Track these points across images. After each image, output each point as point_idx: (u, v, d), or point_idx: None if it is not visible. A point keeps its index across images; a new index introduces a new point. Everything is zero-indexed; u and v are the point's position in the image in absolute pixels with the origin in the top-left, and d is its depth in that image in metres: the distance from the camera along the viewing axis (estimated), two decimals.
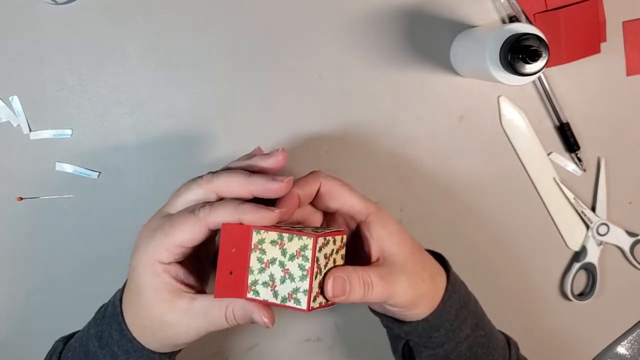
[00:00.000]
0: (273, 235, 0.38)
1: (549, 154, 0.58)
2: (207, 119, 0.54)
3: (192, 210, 0.40)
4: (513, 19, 0.55)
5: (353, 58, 0.55)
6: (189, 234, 0.40)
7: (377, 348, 0.60)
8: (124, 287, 0.45)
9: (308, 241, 0.37)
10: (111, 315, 0.43)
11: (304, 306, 0.37)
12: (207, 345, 0.58)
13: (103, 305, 0.46)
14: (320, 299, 0.39)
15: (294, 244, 0.38)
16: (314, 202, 0.44)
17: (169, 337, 0.41)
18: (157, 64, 0.53)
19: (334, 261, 0.40)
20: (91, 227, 0.55)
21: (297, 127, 0.55)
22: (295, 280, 0.37)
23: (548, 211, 0.59)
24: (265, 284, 0.38)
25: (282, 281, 0.38)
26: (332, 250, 0.39)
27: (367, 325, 0.60)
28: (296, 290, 0.37)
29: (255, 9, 0.53)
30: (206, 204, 0.40)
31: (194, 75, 0.54)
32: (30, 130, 0.53)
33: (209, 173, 0.41)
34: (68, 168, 0.54)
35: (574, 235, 0.59)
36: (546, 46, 0.44)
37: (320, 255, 0.38)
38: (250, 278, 0.39)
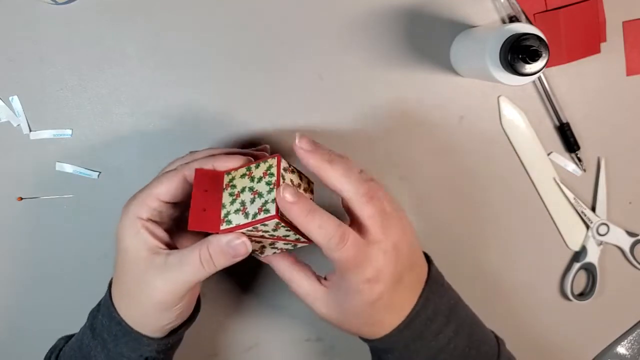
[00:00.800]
0: (242, 170, 0.42)
1: (549, 154, 0.58)
2: (207, 119, 0.54)
3: (168, 167, 0.44)
4: (513, 19, 0.55)
5: (353, 58, 0.55)
6: (166, 185, 0.42)
7: None
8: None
9: (272, 161, 0.40)
10: (103, 303, 0.44)
11: (272, 212, 0.38)
12: (206, 346, 0.58)
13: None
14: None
15: (260, 169, 0.40)
16: None
17: (148, 299, 0.41)
18: (157, 64, 0.53)
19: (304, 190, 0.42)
20: (91, 227, 0.55)
21: (297, 127, 0.55)
22: (264, 195, 0.39)
23: (548, 211, 0.59)
24: (237, 211, 0.40)
25: (252, 201, 0.40)
26: (300, 184, 0.42)
27: None
28: (265, 203, 0.39)
29: (256, 9, 0.53)
30: (183, 158, 0.44)
31: (194, 75, 0.54)
32: (30, 130, 0.53)
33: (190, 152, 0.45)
34: (68, 168, 0.54)
35: (574, 235, 0.59)
36: (546, 46, 0.44)
37: (286, 175, 0.40)
38: (223, 212, 0.41)
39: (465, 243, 0.59)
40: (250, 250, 0.41)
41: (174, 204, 0.43)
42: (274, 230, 0.40)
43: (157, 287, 0.40)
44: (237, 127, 0.55)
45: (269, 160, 0.41)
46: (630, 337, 0.63)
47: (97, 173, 0.54)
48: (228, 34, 0.53)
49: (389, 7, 0.54)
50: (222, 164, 0.42)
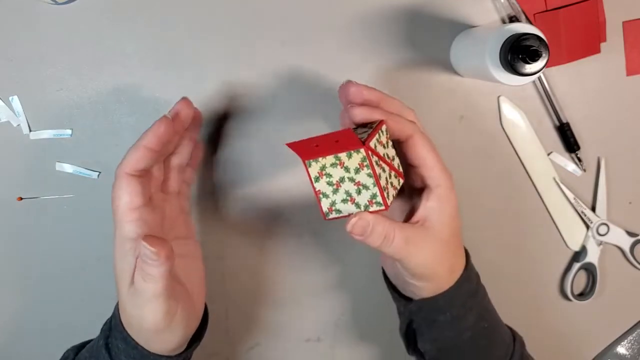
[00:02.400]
0: (330, 159, 0.41)
1: (549, 154, 0.58)
2: (207, 119, 0.54)
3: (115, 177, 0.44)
4: (513, 19, 0.55)
5: (353, 58, 0.55)
6: (125, 195, 0.42)
7: (377, 348, 0.60)
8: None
9: (362, 153, 0.40)
10: (115, 325, 0.44)
11: (383, 206, 0.40)
12: (207, 345, 0.58)
13: (110, 316, 0.46)
14: (393, 191, 0.42)
15: (353, 160, 0.40)
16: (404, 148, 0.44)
17: (144, 328, 0.41)
18: (157, 64, 0.53)
19: (388, 144, 0.43)
20: (91, 227, 0.55)
21: (297, 127, 0.55)
22: (370, 188, 0.40)
23: (548, 211, 0.59)
24: (344, 200, 0.41)
25: (359, 192, 0.41)
26: (385, 140, 0.42)
27: (367, 326, 0.60)
28: (374, 195, 0.40)
29: (256, 9, 0.53)
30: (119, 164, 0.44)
31: (194, 75, 0.54)
32: (30, 130, 0.53)
33: None
34: (68, 168, 0.54)
35: (574, 235, 0.59)
36: (546, 46, 0.44)
37: (380, 152, 0.41)
38: (327, 202, 0.42)
39: (465, 243, 0.59)
40: None
41: (152, 209, 0.43)
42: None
43: (140, 317, 0.41)
44: (236, 126, 0.55)
45: (357, 151, 0.40)
46: (630, 337, 0.63)
47: (97, 173, 0.54)
48: (228, 34, 0.53)
49: (389, 7, 0.54)
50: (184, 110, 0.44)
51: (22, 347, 0.57)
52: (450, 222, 0.43)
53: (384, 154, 0.42)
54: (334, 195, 0.41)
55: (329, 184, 0.41)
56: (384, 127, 0.42)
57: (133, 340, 0.42)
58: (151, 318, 0.41)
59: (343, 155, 0.41)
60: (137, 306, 0.41)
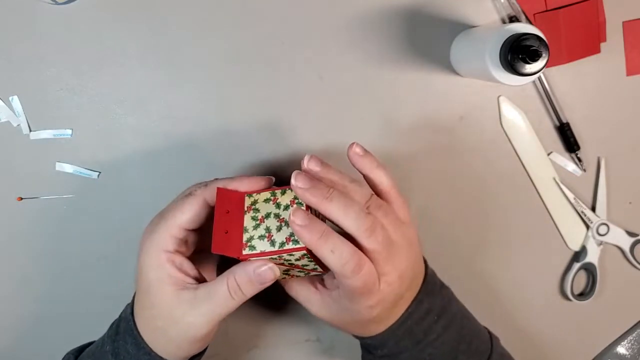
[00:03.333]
0: (265, 194, 0.41)
1: (549, 154, 0.58)
2: (207, 118, 0.54)
3: (188, 192, 0.42)
4: (513, 19, 0.55)
5: (353, 58, 0.55)
6: (188, 212, 0.41)
7: None
8: (133, 300, 0.44)
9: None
10: (125, 330, 0.43)
11: (300, 245, 0.39)
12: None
13: (114, 321, 0.46)
14: None
15: (286, 196, 0.40)
16: None
17: (181, 335, 0.41)
18: (157, 64, 0.53)
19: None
20: (91, 227, 0.55)
21: (297, 127, 0.55)
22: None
23: (548, 211, 0.59)
24: (261, 237, 0.40)
25: (279, 229, 0.40)
26: None
27: None
28: (292, 234, 0.39)
29: (256, 9, 0.53)
30: (201, 184, 0.42)
31: (194, 75, 0.54)
32: (30, 130, 0.53)
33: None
34: (68, 168, 0.54)
35: (574, 235, 0.59)
36: (546, 46, 0.44)
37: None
38: (245, 236, 0.40)
39: (465, 243, 0.59)
40: (277, 276, 0.41)
41: (196, 229, 0.43)
42: (297, 260, 0.40)
43: (189, 323, 0.41)
44: (236, 127, 0.55)
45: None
46: (630, 337, 0.63)
47: (97, 173, 0.54)
48: (228, 33, 0.53)
49: (389, 7, 0.54)
50: (244, 186, 0.42)
51: (21, 348, 0.56)
52: (354, 313, 0.42)
53: None
54: (254, 230, 0.40)
55: (254, 218, 0.41)
56: None
57: (148, 346, 0.42)
58: (204, 327, 0.41)
59: (279, 192, 0.41)
60: (190, 314, 0.40)
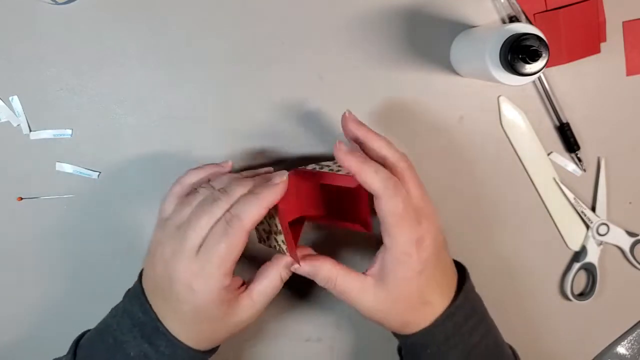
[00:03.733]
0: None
1: (549, 154, 0.58)
2: (207, 118, 0.54)
3: (223, 230, 0.40)
4: (513, 19, 0.55)
5: (353, 58, 0.55)
6: (236, 247, 0.41)
7: (377, 348, 0.60)
8: (137, 296, 0.44)
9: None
10: (153, 333, 0.42)
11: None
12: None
13: (113, 327, 0.44)
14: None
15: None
16: None
17: (233, 330, 0.44)
18: (157, 64, 0.53)
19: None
20: (91, 227, 0.55)
21: (297, 127, 0.55)
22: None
23: (548, 211, 0.59)
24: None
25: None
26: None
27: (367, 325, 0.59)
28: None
29: (256, 9, 0.53)
30: (227, 213, 0.41)
31: (194, 75, 0.54)
32: (30, 130, 0.53)
33: (222, 193, 0.43)
34: (68, 168, 0.54)
35: (574, 235, 0.59)
36: (546, 46, 0.44)
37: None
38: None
39: (465, 243, 0.59)
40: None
41: None
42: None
43: (247, 323, 0.44)
44: (236, 127, 0.55)
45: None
46: (630, 337, 0.63)
47: (97, 173, 0.54)
48: (228, 33, 0.53)
49: (389, 7, 0.54)
50: (271, 199, 0.42)
51: (21, 347, 0.56)
52: (402, 283, 0.42)
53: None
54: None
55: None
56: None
57: (183, 343, 0.42)
58: (252, 320, 0.44)
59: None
60: (247, 314, 0.43)
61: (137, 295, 0.44)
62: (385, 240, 0.42)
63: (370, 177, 0.40)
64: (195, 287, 0.40)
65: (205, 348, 0.44)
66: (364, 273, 0.44)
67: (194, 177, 0.47)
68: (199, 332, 0.43)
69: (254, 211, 0.40)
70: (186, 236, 0.41)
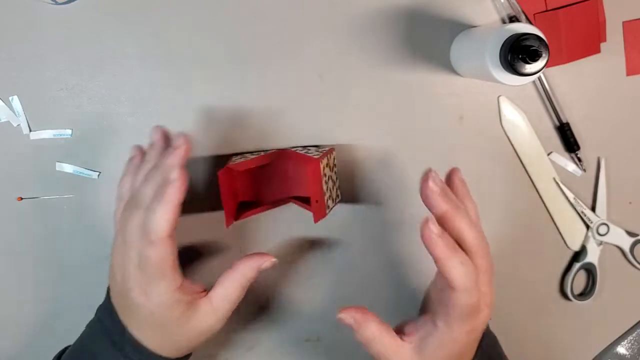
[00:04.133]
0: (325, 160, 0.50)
1: (549, 154, 0.58)
2: (207, 118, 0.54)
3: (147, 242, 0.40)
4: (513, 19, 0.55)
5: (353, 58, 0.55)
6: (165, 252, 0.40)
7: None
8: (105, 305, 0.45)
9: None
10: (121, 341, 0.43)
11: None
12: (207, 346, 0.58)
13: (88, 339, 0.45)
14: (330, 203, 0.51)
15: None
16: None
17: (202, 337, 0.44)
18: (157, 64, 0.53)
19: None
20: (91, 227, 0.55)
21: (297, 127, 0.55)
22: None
23: (548, 211, 0.59)
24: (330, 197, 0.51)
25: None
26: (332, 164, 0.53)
27: None
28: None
29: (256, 9, 0.53)
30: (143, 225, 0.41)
31: (194, 75, 0.54)
32: (30, 130, 0.53)
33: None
34: (68, 168, 0.54)
35: (574, 235, 0.59)
36: (546, 46, 0.44)
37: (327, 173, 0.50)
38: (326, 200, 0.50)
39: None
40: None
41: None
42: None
43: (211, 329, 0.43)
44: (236, 126, 0.55)
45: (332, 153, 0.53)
46: (630, 337, 0.63)
47: (97, 173, 0.54)
48: (228, 33, 0.53)
49: (389, 7, 0.54)
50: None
51: (20, 347, 0.56)
52: (439, 359, 0.41)
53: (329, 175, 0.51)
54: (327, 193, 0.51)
55: (326, 183, 0.51)
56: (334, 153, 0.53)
57: (153, 352, 0.42)
58: (218, 326, 0.44)
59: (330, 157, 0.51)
60: (210, 320, 0.43)
61: (105, 305, 0.45)
62: (439, 322, 0.41)
63: (456, 271, 0.38)
64: (147, 291, 0.41)
65: (173, 355, 0.44)
66: (401, 336, 0.43)
67: (126, 184, 0.49)
68: (161, 338, 0.43)
69: (162, 222, 0.39)
70: (127, 245, 0.42)
